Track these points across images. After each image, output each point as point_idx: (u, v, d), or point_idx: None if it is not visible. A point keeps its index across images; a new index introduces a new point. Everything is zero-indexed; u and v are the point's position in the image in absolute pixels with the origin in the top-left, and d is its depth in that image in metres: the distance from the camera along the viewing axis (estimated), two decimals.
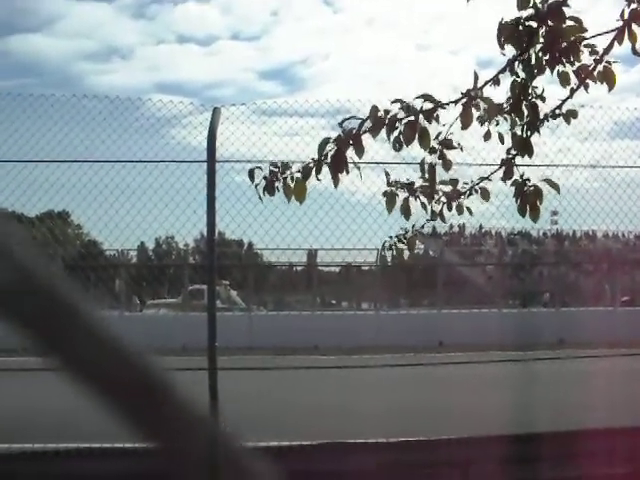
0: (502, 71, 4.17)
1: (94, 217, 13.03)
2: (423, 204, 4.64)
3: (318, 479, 5.95)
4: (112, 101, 11.35)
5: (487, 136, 4.42)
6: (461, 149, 4.34)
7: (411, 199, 4.57)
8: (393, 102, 3.99)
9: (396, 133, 4.00)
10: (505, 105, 4.24)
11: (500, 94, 4.26)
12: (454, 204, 4.73)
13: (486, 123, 4.28)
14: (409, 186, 4.57)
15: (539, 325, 19.23)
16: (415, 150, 4.25)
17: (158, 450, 0.77)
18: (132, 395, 0.77)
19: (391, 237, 5.30)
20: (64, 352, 0.76)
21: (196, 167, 10.93)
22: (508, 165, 4.51)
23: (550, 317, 22.30)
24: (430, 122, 4.02)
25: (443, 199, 4.69)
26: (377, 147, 5.15)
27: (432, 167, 4.37)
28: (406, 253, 5.69)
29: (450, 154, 4.31)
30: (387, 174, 4.61)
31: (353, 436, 6.23)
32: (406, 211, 4.61)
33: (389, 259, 19.72)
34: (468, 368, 15.36)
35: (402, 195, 4.60)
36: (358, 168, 4.24)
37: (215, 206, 6.81)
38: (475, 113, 4.12)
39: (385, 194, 4.61)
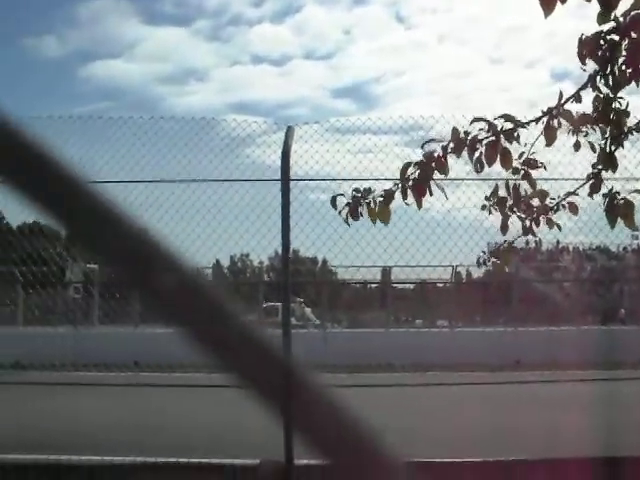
0: (583, 87, 4.10)
1: (170, 235, 13.20)
2: (520, 218, 4.65)
3: None
4: (188, 122, 11.57)
5: (577, 146, 4.38)
6: (544, 168, 4.29)
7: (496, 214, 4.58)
8: (473, 122, 3.97)
9: (477, 154, 3.97)
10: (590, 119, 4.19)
11: (582, 109, 4.19)
12: (542, 219, 4.71)
13: (572, 134, 4.24)
14: (503, 202, 4.58)
15: (619, 343, 18.72)
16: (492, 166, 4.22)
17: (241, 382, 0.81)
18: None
19: (484, 252, 5.31)
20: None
21: (270, 185, 11.00)
22: (595, 179, 4.45)
23: (631, 335, 21.70)
24: (511, 142, 3.98)
25: (526, 214, 4.68)
26: (451, 163, 5.14)
27: (516, 188, 4.35)
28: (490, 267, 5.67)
29: (534, 173, 4.27)
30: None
31: (432, 456, 6.18)
32: (504, 227, 4.63)
33: (472, 272, 19.51)
34: (547, 387, 15.03)
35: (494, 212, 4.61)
36: (442, 190, 4.23)
37: (289, 224, 6.84)
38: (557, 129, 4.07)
39: (484, 207, 4.64)
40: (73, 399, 13.39)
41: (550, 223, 4.76)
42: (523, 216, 4.71)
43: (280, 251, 7.23)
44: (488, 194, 4.71)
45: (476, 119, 3.97)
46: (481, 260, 5.45)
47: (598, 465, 5.75)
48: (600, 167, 4.38)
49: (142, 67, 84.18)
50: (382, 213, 4.31)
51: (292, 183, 7.27)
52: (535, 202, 4.70)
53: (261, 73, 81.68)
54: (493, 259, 5.32)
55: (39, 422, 10.76)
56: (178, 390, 14.73)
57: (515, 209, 4.65)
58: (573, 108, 4.15)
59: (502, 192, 4.65)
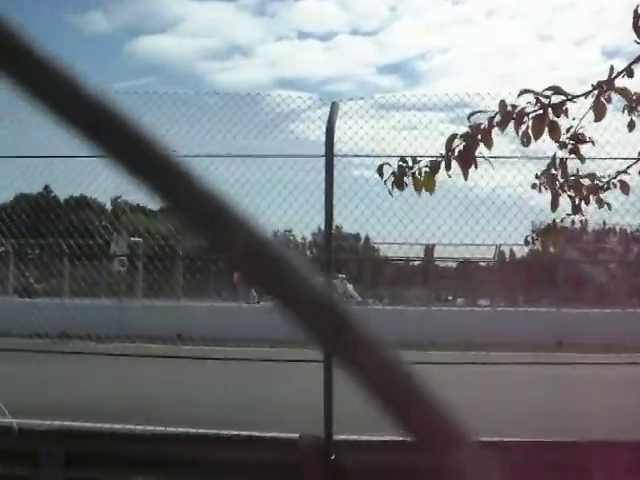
0: (636, 61, 4.00)
1: None
2: (570, 197, 4.58)
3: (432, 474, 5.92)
4: (232, 97, 11.56)
5: (631, 126, 4.28)
6: (592, 143, 4.20)
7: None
8: (520, 94, 3.89)
9: (524, 127, 3.90)
10: None
11: (633, 85, 4.09)
12: (592, 198, 4.63)
13: (626, 112, 4.14)
14: (553, 179, 4.51)
15: None
16: (537, 145, 4.15)
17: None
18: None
19: (533, 231, 5.25)
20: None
21: (315, 161, 10.98)
22: None
23: None
24: (559, 116, 3.90)
25: (575, 193, 4.61)
26: (496, 140, 5.06)
27: (563, 162, 4.27)
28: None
29: (582, 148, 4.19)
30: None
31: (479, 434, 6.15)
32: (554, 204, 4.56)
33: (515, 251, 19.32)
34: (590, 369, 14.88)
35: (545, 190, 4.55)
36: (489, 161, 4.18)
37: (333, 200, 6.81)
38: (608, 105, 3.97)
39: (534, 186, 4.57)
40: (118, 369, 13.60)
41: (600, 202, 4.68)
42: (572, 194, 4.64)
43: (323, 227, 7.18)
44: (535, 173, 4.64)
45: (524, 91, 3.88)
46: (529, 239, 5.37)
47: None
48: None
49: (187, 42, 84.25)
50: (428, 183, 4.27)
51: (336, 159, 7.22)
52: (585, 181, 4.62)
53: (306, 49, 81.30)
54: (540, 238, 5.25)
55: (87, 390, 10.96)
56: (219, 363, 14.86)
57: (565, 188, 4.58)
58: (626, 84, 4.05)
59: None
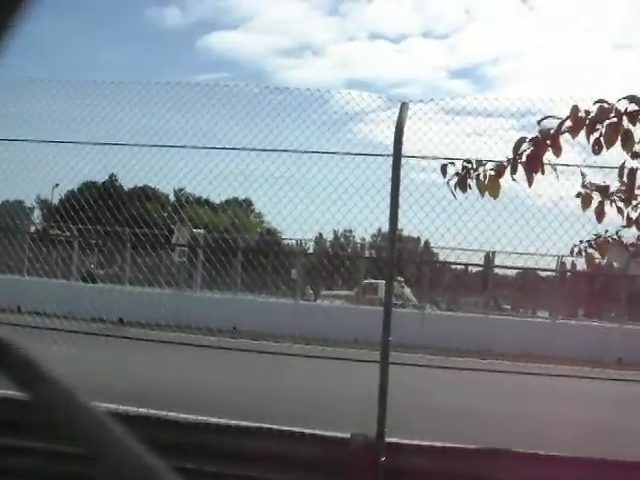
0: None
1: (278, 206, 13.32)
2: (619, 209, 4.41)
3: None
4: (302, 93, 11.58)
5: None
6: None
7: (606, 203, 4.37)
8: (595, 102, 3.81)
9: (596, 135, 3.81)
10: None
11: None
12: None
13: None
14: (604, 189, 4.37)
15: None
16: (609, 155, 4.04)
17: None
18: None
19: (581, 242, 5.08)
20: None
21: (380, 162, 10.92)
22: None
23: None
24: (634, 124, 3.80)
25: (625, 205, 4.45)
26: (568, 149, 4.92)
27: (632, 171, 4.15)
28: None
29: None
30: (583, 175, 4.40)
31: (523, 446, 6.07)
32: (599, 214, 4.41)
33: (577, 263, 18.93)
34: None
35: (596, 198, 4.39)
36: (555, 169, 4.09)
37: (398, 200, 6.76)
38: None
39: (579, 195, 4.42)
40: (171, 357, 13.77)
41: None
42: (622, 206, 4.48)
43: (384, 228, 7.13)
44: (582, 182, 4.47)
45: (599, 100, 3.80)
46: (576, 249, 5.20)
47: None
48: None
49: (259, 39, 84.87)
50: (492, 186, 4.18)
51: (403, 160, 7.17)
52: None
53: (377, 50, 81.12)
54: (590, 250, 5.07)
55: (140, 375, 11.12)
56: (274, 358, 14.94)
57: (614, 198, 4.43)
58: None
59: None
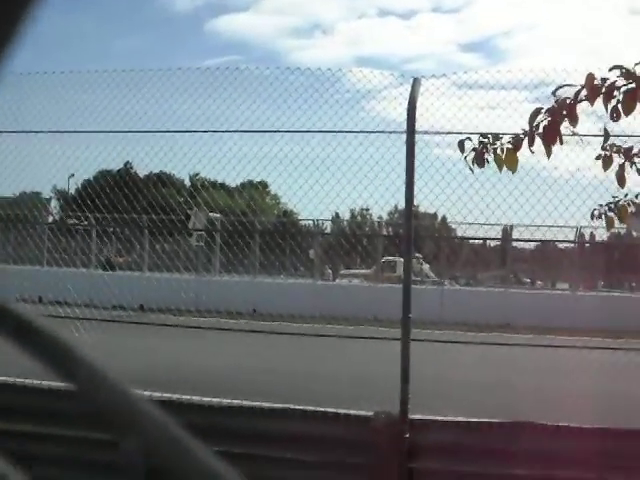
0: None
1: (293, 187, 13.31)
2: (639, 170, 4.35)
3: (508, 457, 5.85)
4: (313, 73, 11.54)
5: None
6: None
7: (627, 166, 4.30)
8: (611, 69, 3.75)
9: (614, 102, 3.75)
10: None
11: None
12: None
13: None
14: (627, 151, 4.29)
15: None
16: (627, 122, 3.98)
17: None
18: None
19: (601, 205, 5.01)
20: None
21: (394, 139, 10.88)
22: None
23: None
24: None
25: None
26: (584, 119, 4.85)
27: None
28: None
29: None
30: (607, 136, 4.28)
31: (547, 419, 6.06)
32: (621, 178, 4.35)
33: (596, 233, 18.71)
34: None
35: (617, 161, 4.32)
36: (577, 135, 4.04)
37: (414, 176, 6.73)
38: None
39: (599, 157, 4.34)
40: (193, 341, 13.83)
41: None
42: None
43: (400, 206, 7.11)
44: (602, 145, 4.37)
45: (615, 67, 3.74)
46: (596, 213, 5.12)
47: None
48: None
49: (268, 20, 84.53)
50: (510, 160, 4.13)
51: (417, 136, 7.14)
52: None
53: (388, 27, 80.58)
54: (609, 213, 4.99)
55: (162, 360, 11.19)
56: (294, 338, 14.99)
57: (634, 161, 4.35)
58: None
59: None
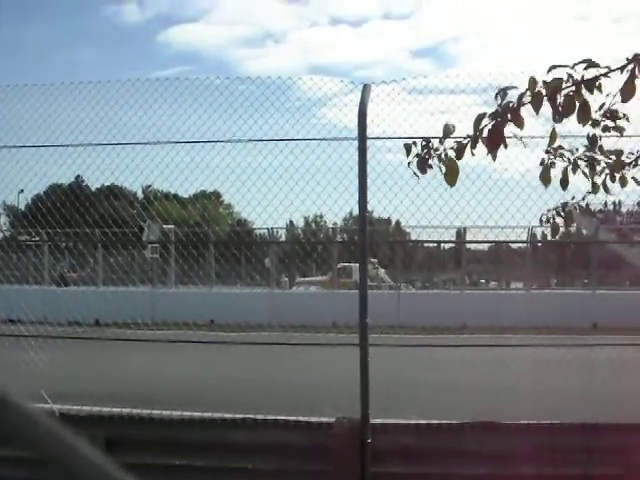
0: None
1: (247, 196, 13.28)
2: (585, 174, 4.40)
3: (470, 457, 5.90)
4: (264, 82, 11.53)
5: None
6: (627, 119, 4.09)
7: (570, 171, 4.36)
8: (550, 69, 3.78)
9: (559, 100, 3.78)
10: None
11: None
12: (617, 175, 4.47)
13: None
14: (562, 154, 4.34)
15: None
16: (574, 123, 4.03)
17: None
18: None
19: (549, 210, 5.08)
20: None
21: (346, 145, 10.92)
22: None
23: None
24: (592, 92, 3.78)
25: (606, 170, 4.44)
26: (532, 121, 4.91)
27: (593, 138, 4.16)
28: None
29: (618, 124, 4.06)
30: (553, 135, 4.26)
31: (505, 416, 6.14)
32: (564, 182, 4.39)
33: (547, 233, 18.96)
34: (627, 351, 14.72)
35: (561, 165, 4.37)
36: (520, 139, 4.07)
37: (367, 182, 6.78)
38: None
39: (542, 163, 4.38)
40: (151, 355, 13.73)
41: (623, 180, 4.50)
42: (593, 174, 4.46)
43: (354, 212, 7.16)
44: (546, 148, 4.41)
45: (554, 66, 3.76)
46: (544, 218, 5.19)
47: None
48: None
49: (220, 31, 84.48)
50: (450, 171, 4.10)
51: (369, 142, 7.18)
52: (610, 160, 4.44)
53: (339, 34, 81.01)
54: (557, 218, 5.07)
55: (121, 376, 11.07)
56: (252, 348, 14.93)
57: (579, 164, 4.41)
58: None
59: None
